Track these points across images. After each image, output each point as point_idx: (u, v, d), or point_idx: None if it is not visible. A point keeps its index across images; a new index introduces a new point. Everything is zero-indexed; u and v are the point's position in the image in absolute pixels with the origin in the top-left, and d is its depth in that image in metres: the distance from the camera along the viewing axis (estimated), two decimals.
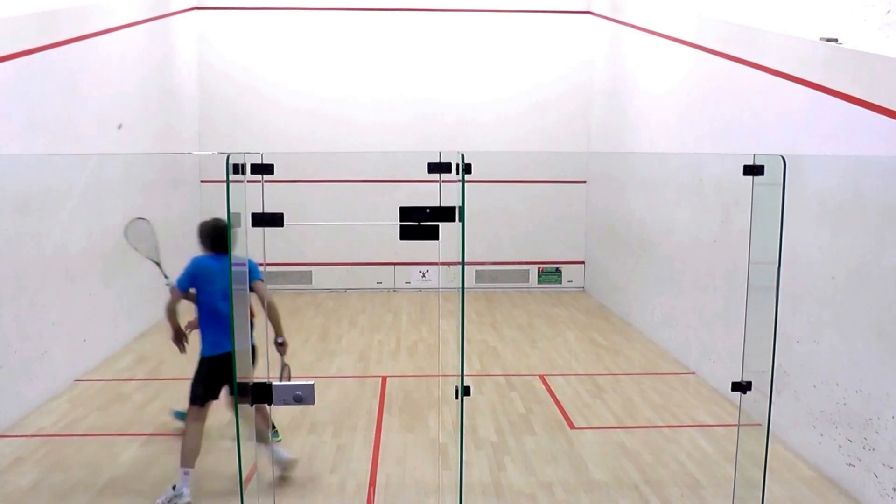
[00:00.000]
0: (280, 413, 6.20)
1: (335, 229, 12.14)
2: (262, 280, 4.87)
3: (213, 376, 4.91)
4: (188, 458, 4.80)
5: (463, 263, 3.81)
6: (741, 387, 4.00)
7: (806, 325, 5.49)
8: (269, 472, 4.86)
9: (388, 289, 12.23)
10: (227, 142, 11.84)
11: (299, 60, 12.06)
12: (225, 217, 3.29)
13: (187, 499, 4.72)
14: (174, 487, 4.77)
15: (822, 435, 5.30)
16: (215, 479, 5.20)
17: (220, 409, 5.18)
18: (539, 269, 12.54)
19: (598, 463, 5.51)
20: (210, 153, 12.32)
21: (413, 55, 12.15)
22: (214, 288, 4.91)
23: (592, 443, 5.92)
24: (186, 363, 8.21)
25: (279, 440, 5.62)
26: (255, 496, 3.91)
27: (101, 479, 5.16)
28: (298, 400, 3.48)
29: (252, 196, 3.51)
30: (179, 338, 5.14)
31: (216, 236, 4.99)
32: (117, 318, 8.54)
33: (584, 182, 12.47)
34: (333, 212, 11.87)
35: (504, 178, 12.01)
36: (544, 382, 7.48)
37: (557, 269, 12.57)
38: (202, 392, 4.90)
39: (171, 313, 5.07)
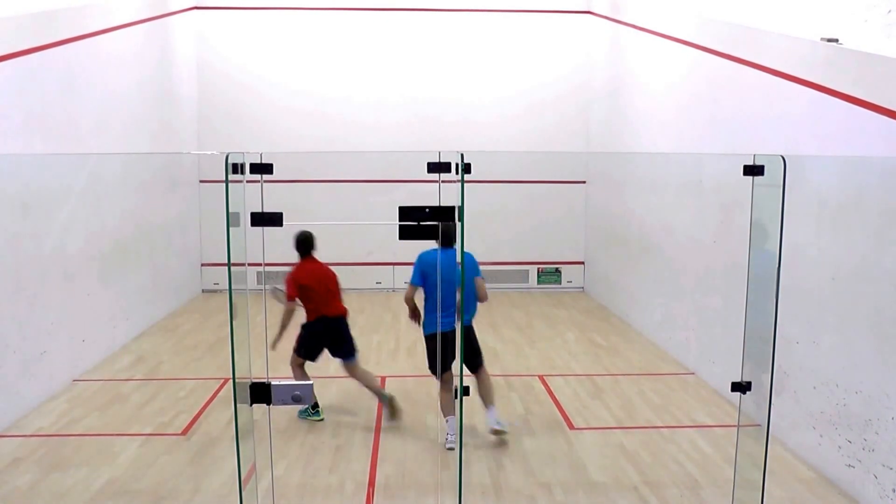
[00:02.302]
0: (279, 413, 6.19)
1: (334, 229, 12.12)
2: (482, 277, 5.93)
3: (440, 350, 5.84)
4: (447, 408, 5.83)
5: (462, 264, 3.80)
6: (741, 387, 4.00)
7: (806, 325, 5.49)
8: (268, 471, 4.85)
9: (388, 289, 12.22)
10: (226, 141, 11.83)
11: (298, 60, 12.05)
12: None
13: (451, 444, 5.71)
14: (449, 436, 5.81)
15: (821, 436, 5.29)
16: (216, 477, 5.20)
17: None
18: (538, 269, 12.53)
19: (598, 464, 5.51)
20: (209, 153, 12.31)
21: (413, 55, 12.14)
22: (434, 277, 5.77)
23: (592, 443, 5.91)
24: (185, 364, 8.22)
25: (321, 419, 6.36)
26: (255, 496, 3.90)
27: (100, 480, 5.15)
28: (297, 400, 3.48)
29: (251, 196, 3.51)
30: (416, 317, 6.02)
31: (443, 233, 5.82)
32: (116, 319, 8.54)
33: (584, 182, 12.47)
34: (333, 212, 11.86)
35: (504, 178, 12.00)
36: (543, 383, 7.47)
37: (557, 270, 12.56)
38: (434, 367, 5.93)
39: (409, 300, 5.98)
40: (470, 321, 5.99)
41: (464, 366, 3.86)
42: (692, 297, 7.88)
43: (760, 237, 4.04)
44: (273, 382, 3.32)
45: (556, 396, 7.05)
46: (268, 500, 4.71)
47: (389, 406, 6.21)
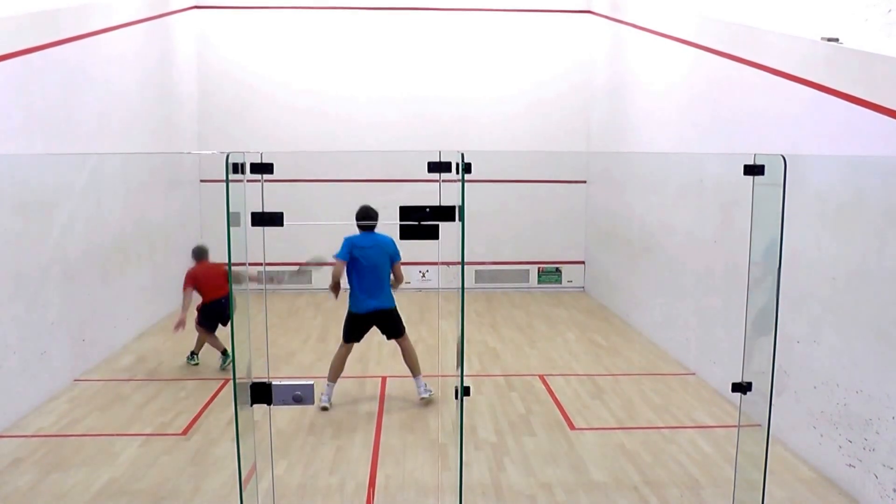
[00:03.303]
0: (280, 413, 6.19)
1: (335, 229, 12.10)
2: (399, 261, 6.72)
3: (354, 327, 6.72)
4: (332, 375, 6.73)
5: (463, 263, 3.80)
6: (741, 387, 3.99)
7: (806, 325, 5.48)
8: (268, 472, 4.84)
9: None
10: (227, 141, 11.83)
11: (299, 59, 12.05)
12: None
13: (325, 404, 6.59)
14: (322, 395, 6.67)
15: (822, 436, 5.29)
16: (216, 477, 5.20)
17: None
18: (539, 269, 12.52)
19: (598, 464, 5.51)
20: (209, 152, 12.31)
21: (413, 54, 12.14)
22: (359, 261, 6.59)
23: (592, 443, 5.91)
24: (185, 364, 8.22)
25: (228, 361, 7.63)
26: (255, 496, 3.89)
27: (100, 480, 5.15)
28: (298, 400, 3.48)
29: (252, 195, 3.51)
30: (335, 290, 6.72)
31: (364, 214, 6.84)
32: (116, 318, 8.53)
33: (584, 182, 12.46)
34: (333, 211, 11.85)
35: (504, 177, 12.00)
36: (544, 383, 7.47)
37: (557, 269, 12.56)
38: (346, 335, 6.76)
39: (337, 276, 6.67)
40: (390, 303, 6.74)
41: (463, 365, 3.85)
42: (692, 296, 7.88)
43: (761, 237, 4.04)
44: (274, 382, 3.32)
45: (557, 396, 7.05)
46: (268, 500, 4.71)
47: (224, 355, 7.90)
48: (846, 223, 5.10)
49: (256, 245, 4.00)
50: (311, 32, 12.04)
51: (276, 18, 12.01)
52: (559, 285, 12.54)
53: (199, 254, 8.22)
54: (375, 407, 6.71)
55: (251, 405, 3.43)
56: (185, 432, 6.06)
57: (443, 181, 4.01)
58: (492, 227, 12.02)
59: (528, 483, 5.18)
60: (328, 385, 6.71)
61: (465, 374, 3.88)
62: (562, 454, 5.68)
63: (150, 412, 6.54)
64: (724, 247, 7.00)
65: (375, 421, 6.38)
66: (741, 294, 4.12)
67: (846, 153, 5.13)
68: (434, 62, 12.16)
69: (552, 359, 8.42)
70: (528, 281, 12.48)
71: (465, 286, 3.99)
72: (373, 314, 6.68)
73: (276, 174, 3.87)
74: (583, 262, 12.54)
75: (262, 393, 3.33)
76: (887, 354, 4.60)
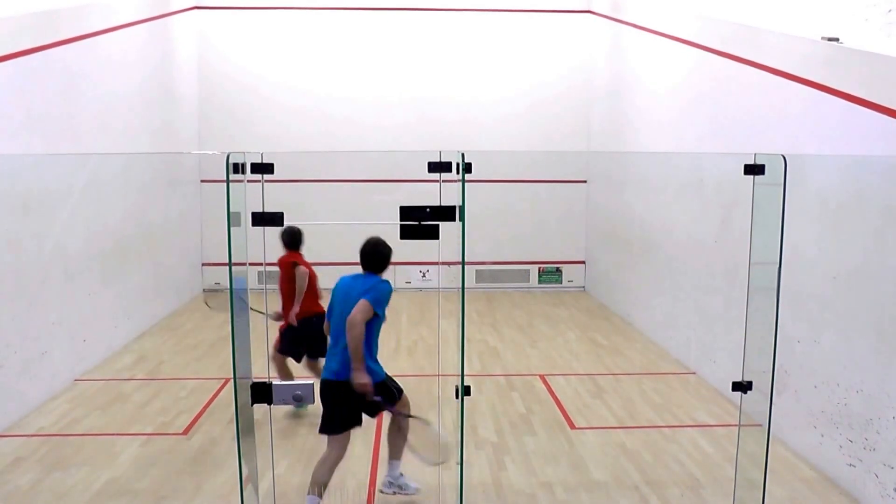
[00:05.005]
0: (280, 412, 6.20)
1: (335, 229, 12.12)
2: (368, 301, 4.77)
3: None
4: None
5: (463, 263, 3.80)
6: (742, 387, 4.00)
7: (807, 325, 5.48)
8: (269, 471, 4.85)
9: None
10: (227, 141, 11.83)
11: (299, 60, 12.05)
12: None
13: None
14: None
15: (822, 435, 5.29)
16: (217, 476, 5.20)
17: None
18: (539, 268, 12.52)
19: (599, 463, 5.51)
20: (210, 153, 12.31)
21: (413, 55, 12.14)
22: (337, 308, 4.83)
23: (593, 443, 5.91)
24: (186, 363, 8.22)
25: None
26: (256, 495, 3.90)
27: (101, 479, 5.15)
28: (298, 399, 3.48)
29: (252, 195, 3.51)
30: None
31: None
32: (117, 318, 8.54)
33: (585, 182, 12.46)
34: (333, 211, 11.85)
35: (504, 178, 12.00)
36: (545, 382, 7.47)
37: (558, 269, 12.56)
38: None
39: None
40: (332, 372, 4.76)
41: (464, 365, 3.85)
42: (693, 296, 7.88)
43: (761, 236, 4.04)
44: (274, 382, 3.33)
45: (558, 396, 7.05)
46: (268, 499, 4.71)
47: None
48: (846, 222, 5.10)
49: (257, 245, 4.01)
50: (311, 33, 12.04)
51: (276, 19, 12.01)
52: (560, 285, 12.54)
53: (296, 240, 6.33)
54: None
55: (252, 405, 3.44)
56: (185, 432, 6.06)
57: (443, 181, 4.02)
58: (492, 227, 12.03)
59: (528, 482, 5.18)
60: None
61: (465, 373, 3.89)
62: (562, 453, 5.68)
63: (151, 412, 6.54)
64: (724, 247, 7.00)
65: (375, 421, 6.37)
66: (742, 294, 4.12)
67: (846, 153, 5.13)
68: (434, 63, 12.17)
69: (553, 358, 8.42)
70: (528, 281, 12.49)
71: (466, 286, 3.99)
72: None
73: (277, 174, 3.87)
74: (583, 262, 12.54)
75: (262, 393, 3.33)
76: (887, 354, 4.60)
